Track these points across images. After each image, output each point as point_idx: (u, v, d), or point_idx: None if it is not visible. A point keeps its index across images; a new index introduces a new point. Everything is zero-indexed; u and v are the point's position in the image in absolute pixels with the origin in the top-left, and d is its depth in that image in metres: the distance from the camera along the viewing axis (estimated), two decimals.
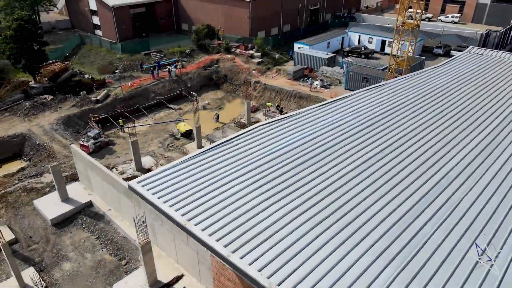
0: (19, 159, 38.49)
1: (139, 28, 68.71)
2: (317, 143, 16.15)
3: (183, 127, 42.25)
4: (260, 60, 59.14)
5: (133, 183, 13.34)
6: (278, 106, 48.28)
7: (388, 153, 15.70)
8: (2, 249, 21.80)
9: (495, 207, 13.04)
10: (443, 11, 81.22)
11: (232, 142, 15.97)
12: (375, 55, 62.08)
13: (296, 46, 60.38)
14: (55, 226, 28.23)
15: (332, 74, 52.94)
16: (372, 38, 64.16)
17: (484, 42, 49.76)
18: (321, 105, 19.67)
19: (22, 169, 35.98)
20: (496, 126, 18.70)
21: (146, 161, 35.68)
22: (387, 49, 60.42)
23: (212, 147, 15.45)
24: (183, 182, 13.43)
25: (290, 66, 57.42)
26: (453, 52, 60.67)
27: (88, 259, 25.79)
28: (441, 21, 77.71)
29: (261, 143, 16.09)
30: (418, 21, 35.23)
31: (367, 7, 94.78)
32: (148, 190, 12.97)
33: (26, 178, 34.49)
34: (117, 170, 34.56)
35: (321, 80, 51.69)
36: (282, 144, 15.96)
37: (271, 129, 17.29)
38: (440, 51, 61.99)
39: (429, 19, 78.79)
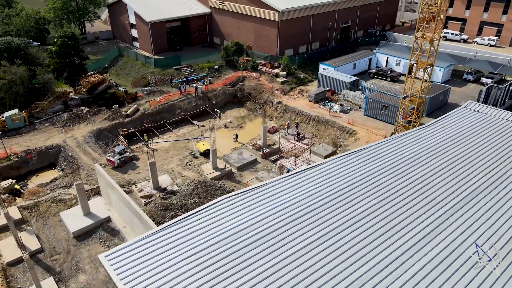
0: (54, 168, 42.70)
1: (173, 41, 72.51)
2: (263, 225, 17.40)
3: (202, 146, 44.83)
4: (285, 79, 60.63)
5: (101, 257, 16.10)
6: (297, 124, 49.70)
7: (326, 240, 16.65)
8: (25, 261, 25.15)
9: None
10: (480, 33, 78.80)
11: (191, 218, 17.88)
12: (402, 78, 61.68)
13: (321, 67, 61.21)
14: (76, 239, 31.64)
15: (353, 98, 53.57)
16: (399, 60, 63.78)
17: (485, 97, 48.87)
18: (285, 177, 20.81)
19: (55, 179, 40.04)
20: (452, 206, 18.60)
21: (164, 180, 38.52)
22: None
23: (173, 223, 17.58)
24: (140, 260, 15.75)
25: (313, 87, 58.57)
26: (483, 80, 59.35)
27: (101, 273, 28.82)
28: (477, 43, 75.55)
29: (212, 223, 17.78)
30: (432, 61, 35.48)
31: (403, 23, 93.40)
32: (111, 265, 15.51)
33: (57, 188, 38.45)
34: (136, 187, 37.64)
35: (340, 104, 52.53)
36: (229, 225, 17.50)
37: (229, 206, 18.84)
38: (471, 77, 60.74)
39: (465, 41, 76.82)
